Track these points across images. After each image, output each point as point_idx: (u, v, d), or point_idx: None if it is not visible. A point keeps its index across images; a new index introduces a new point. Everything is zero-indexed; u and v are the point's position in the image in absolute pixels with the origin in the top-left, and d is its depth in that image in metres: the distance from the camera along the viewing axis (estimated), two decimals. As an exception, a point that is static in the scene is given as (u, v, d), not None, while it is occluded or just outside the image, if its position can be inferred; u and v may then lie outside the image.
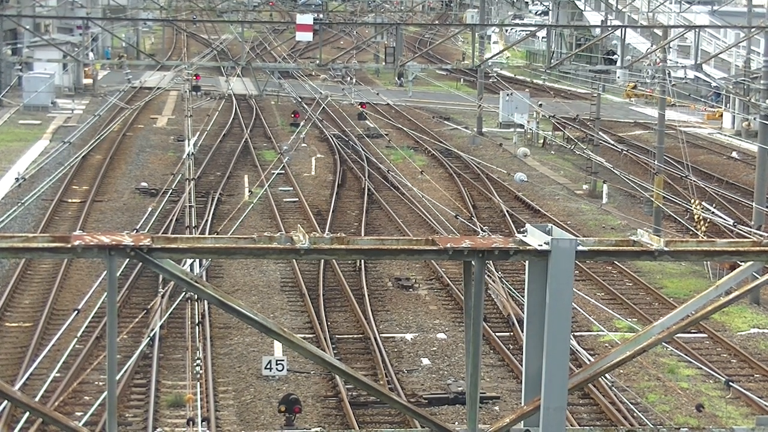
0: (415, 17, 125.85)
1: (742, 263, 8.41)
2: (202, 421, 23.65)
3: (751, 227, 37.02)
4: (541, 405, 7.94)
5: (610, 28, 73.89)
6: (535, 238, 7.99)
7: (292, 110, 70.60)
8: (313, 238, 7.78)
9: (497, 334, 32.39)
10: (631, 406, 27.01)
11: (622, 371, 29.61)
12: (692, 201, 41.94)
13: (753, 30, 52.12)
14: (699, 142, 65.68)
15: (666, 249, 8.09)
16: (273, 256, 7.82)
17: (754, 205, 38.73)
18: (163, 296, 31.87)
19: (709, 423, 26.43)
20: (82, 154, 47.22)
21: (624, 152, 53.17)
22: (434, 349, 31.82)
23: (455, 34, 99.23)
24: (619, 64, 56.21)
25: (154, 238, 7.65)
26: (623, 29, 50.75)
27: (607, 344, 31.99)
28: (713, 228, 41.73)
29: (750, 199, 40.70)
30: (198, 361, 25.86)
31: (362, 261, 37.92)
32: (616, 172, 47.53)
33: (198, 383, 26.92)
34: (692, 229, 41.52)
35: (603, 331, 32.40)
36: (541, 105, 69.91)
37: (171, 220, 43.34)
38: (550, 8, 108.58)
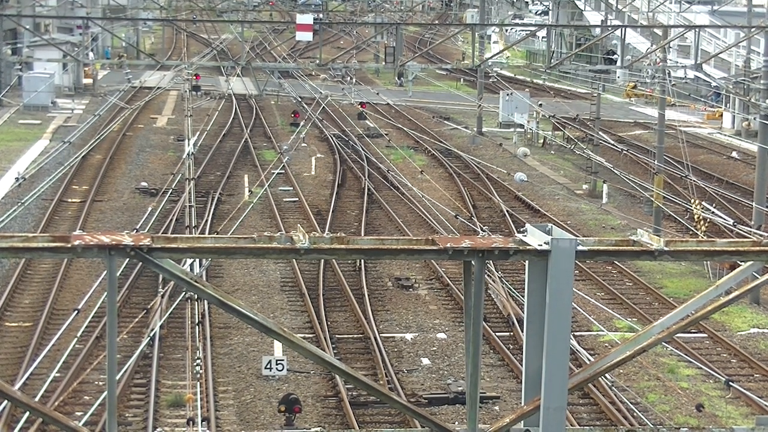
0: (415, 17, 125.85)
1: (742, 263, 8.41)
2: (202, 421, 23.65)
3: (751, 227, 37.01)
4: (541, 405, 7.95)
5: (610, 28, 73.90)
6: (535, 237, 7.99)
7: (292, 110, 70.60)
8: (313, 238, 7.78)
9: (497, 333, 32.39)
10: (631, 406, 27.01)
11: (622, 371, 29.61)
12: (692, 201, 41.94)
13: (753, 30, 52.13)
14: (699, 142, 65.68)
15: (666, 249, 8.09)
16: (273, 256, 7.82)
17: (754, 205, 38.73)
18: (163, 296, 31.86)
19: (709, 423, 26.43)
20: (82, 154, 47.22)
21: (624, 152, 53.17)
22: (434, 348, 31.82)
23: (455, 33, 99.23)
24: (619, 63, 56.20)
25: (154, 237, 7.65)
26: (623, 29, 50.74)
27: (607, 344, 32.00)
28: (713, 228, 41.73)
29: (750, 199, 40.70)
30: (198, 361, 25.86)
31: (362, 261, 37.92)
32: (616, 171, 47.54)
33: (198, 383, 26.92)
34: (692, 228, 41.52)
35: (603, 330, 32.40)
36: (541, 105, 69.91)
37: (171, 219, 43.34)
38: (550, 8, 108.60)
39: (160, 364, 29.51)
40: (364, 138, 59.32)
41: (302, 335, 30.93)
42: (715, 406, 28.16)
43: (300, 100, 72.19)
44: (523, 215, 46.69)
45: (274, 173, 50.49)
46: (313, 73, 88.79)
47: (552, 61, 54.39)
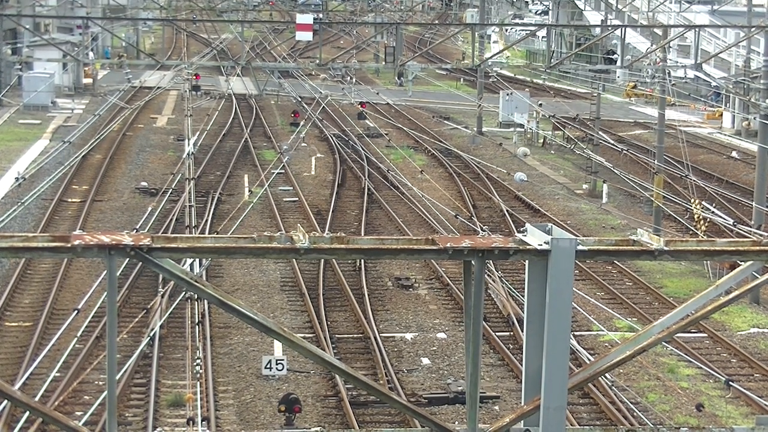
0: (415, 17, 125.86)
1: (742, 263, 8.41)
2: (202, 421, 23.65)
3: (751, 227, 37.01)
4: (541, 404, 7.95)
5: (610, 28, 73.90)
6: (535, 237, 7.99)
7: (292, 110, 70.59)
8: (313, 238, 7.79)
9: (497, 333, 32.39)
10: (631, 406, 27.01)
11: (621, 371, 29.61)
12: (692, 201, 41.94)
13: (753, 29, 52.13)
14: (699, 142, 65.69)
15: (666, 248, 8.09)
16: (273, 256, 7.82)
17: (754, 204, 38.73)
18: (163, 296, 31.86)
19: (709, 423, 26.43)
20: (82, 154, 47.21)
21: (624, 152, 53.17)
22: (434, 348, 31.82)
23: (455, 33, 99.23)
24: (619, 63, 56.21)
25: (153, 237, 7.65)
26: (623, 29, 50.77)
27: (606, 344, 32.00)
28: (713, 227, 41.73)
29: (750, 199, 40.70)
30: (198, 361, 25.86)
31: (362, 261, 37.92)
32: (616, 171, 47.54)
33: (198, 383, 26.92)
34: (692, 228, 41.52)
35: (603, 330, 32.40)
36: (541, 104, 69.90)
37: (171, 219, 43.34)
38: (550, 8, 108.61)
39: (160, 363, 29.51)
40: (364, 138, 59.32)
41: (302, 335, 30.93)
42: (715, 406, 28.16)
43: (300, 99, 72.20)
44: (523, 215, 46.69)
45: (274, 173, 50.48)
46: (313, 73, 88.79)
47: (552, 60, 54.37)
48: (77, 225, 42.99)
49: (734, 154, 62.53)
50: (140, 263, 7.68)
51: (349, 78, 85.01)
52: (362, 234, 41.81)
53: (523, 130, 67.66)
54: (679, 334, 29.71)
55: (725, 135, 69.67)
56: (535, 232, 8.02)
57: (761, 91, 39.60)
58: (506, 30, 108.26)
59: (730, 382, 29.11)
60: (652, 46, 68.56)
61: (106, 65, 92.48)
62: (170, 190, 45.41)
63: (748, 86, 58.56)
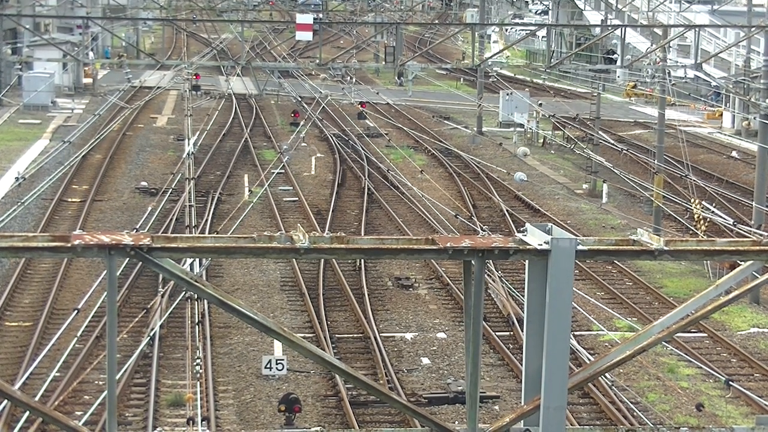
0: (415, 17, 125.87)
1: (742, 263, 8.41)
2: (202, 421, 23.65)
3: (751, 227, 37.01)
4: (541, 404, 7.95)
5: (610, 28, 73.90)
6: (535, 237, 7.99)
7: (292, 110, 70.60)
8: (313, 238, 7.79)
9: (497, 333, 32.39)
10: (631, 406, 27.01)
11: (621, 370, 29.61)
12: (692, 200, 41.94)
13: (753, 29, 52.13)
14: (699, 142, 65.69)
15: (666, 248, 8.10)
16: (273, 256, 7.83)
17: (754, 204, 38.73)
18: (163, 296, 31.86)
19: (709, 422, 26.43)
20: (82, 154, 47.21)
21: (624, 152, 53.17)
22: (434, 348, 31.81)
23: (455, 33, 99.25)
24: (619, 63, 56.20)
25: (153, 237, 7.65)
26: (623, 28, 50.76)
27: (606, 344, 32.00)
28: (713, 227, 41.73)
29: (750, 199, 40.70)
30: (198, 361, 25.86)
31: (362, 260, 37.92)
32: (616, 171, 47.54)
33: (198, 383, 26.92)
34: (692, 228, 41.52)
35: (603, 330, 32.40)
36: (541, 104, 69.90)
37: (171, 219, 43.34)
38: (550, 7, 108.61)
39: (160, 363, 29.51)
40: (364, 137, 59.32)
41: (302, 335, 30.93)
42: (715, 406, 28.16)
43: (300, 99, 72.20)
44: (522, 215, 46.69)
45: (274, 173, 50.49)
46: (313, 73, 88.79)
47: (552, 60, 54.37)
48: (77, 225, 42.98)
49: (734, 154, 62.53)
50: (140, 263, 7.68)
51: (349, 78, 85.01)
52: (362, 234, 41.81)
53: (523, 129, 67.66)
54: (679, 334, 29.73)
55: (725, 135, 69.67)
56: (535, 232, 8.02)
57: (761, 91, 39.60)
58: (506, 30, 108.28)
59: (730, 382, 29.11)
60: (652, 45, 68.57)
61: (106, 65, 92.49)
62: (170, 190, 45.41)
63: (748, 86, 58.56)
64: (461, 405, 27.13)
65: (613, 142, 57.02)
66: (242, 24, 70.76)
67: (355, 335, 32.77)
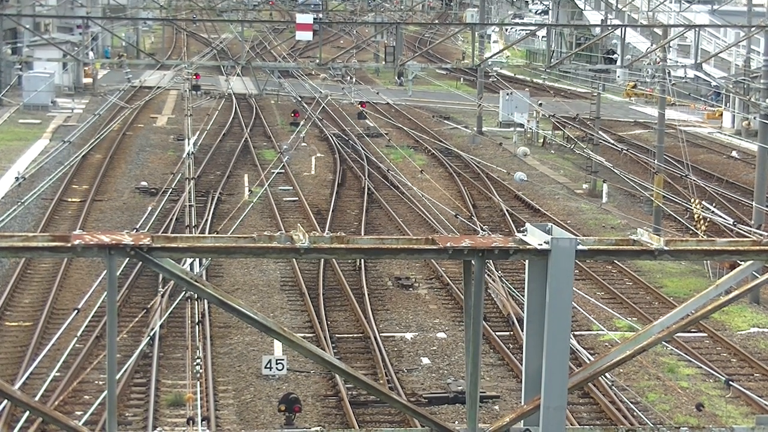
0: (415, 16, 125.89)
1: (742, 262, 8.41)
2: (202, 421, 23.65)
3: (751, 226, 37.01)
4: (541, 404, 7.95)
5: (610, 28, 73.91)
6: (535, 237, 7.99)
7: (292, 109, 70.60)
8: (313, 238, 7.78)
9: (497, 333, 32.39)
10: (631, 406, 27.00)
11: (621, 370, 29.61)
12: (692, 200, 41.94)
13: (753, 29, 52.12)
14: (699, 142, 65.70)
15: (666, 248, 8.09)
16: (273, 256, 7.83)
17: (754, 204, 38.73)
18: (163, 295, 31.86)
19: (709, 422, 26.42)
20: (82, 154, 47.21)
21: (624, 151, 53.18)
22: (434, 348, 31.81)
23: (455, 33, 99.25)
24: (619, 63, 56.21)
25: (153, 237, 7.65)
26: (623, 28, 50.76)
27: (606, 343, 31.99)
28: (713, 227, 41.73)
29: (750, 199, 40.70)
30: (198, 361, 25.86)
31: (362, 260, 37.92)
32: (616, 171, 47.54)
33: (198, 382, 26.92)
34: (692, 228, 41.52)
35: (603, 330, 32.40)
36: (541, 104, 69.91)
37: (171, 219, 43.34)
38: (550, 7, 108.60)
39: (160, 363, 29.51)
40: (364, 137, 59.31)
41: (302, 335, 30.92)
42: (715, 406, 28.16)
43: (300, 99, 72.20)
44: (522, 215, 46.69)
45: (274, 173, 50.49)
46: (313, 73, 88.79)
47: (552, 60, 54.38)
48: (77, 225, 42.98)
49: (734, 153, 62.53)
50: (140, 263, 7.68)
51: (349, 78, 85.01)
52: (362, 234, 41.81)
53: (523, 129, 67.66)
54: (679, 334, 29.73)
55: (725, 135, 69.67)
56: (535, 232, 8.02)
57: (761, 91, 39.60)
58: (506, 30, 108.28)
59: (730, 382, 29.11)
60: (652, 45, 68.57)
61: (106, 65, 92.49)
62: (170, 190, 45.40)
63: (748, 86, 58.56)
64: (461, 405, 27.12)
65: (613, 142, 57.02)
66: (242, 24, 70.76)
67: (355, 335, 32.77)
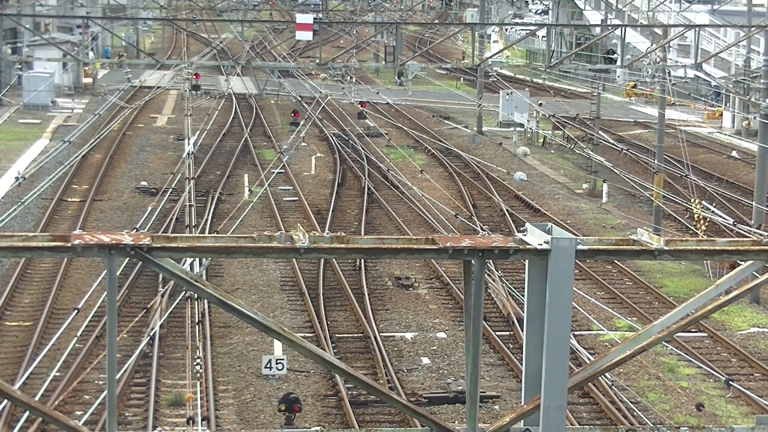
0: (415, 16, 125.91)
1: (742, 262, 8.41)
2: (202, 420, 23.65)
3: (751, 226, 37.01)
4: (541, 404, 7.95)
5: (610, 28, 73.91)
6: (535, 237, 7.99)
7: (292, 109, 70.60)
8: (313, 238, 7.78)
9: (497, 333, 32.39)
10: (631, 405, 27.00)
11: (621, 370, 29.61)
12: (692, 200, 41.95)
13: (753, 29, 52.12)
14: (699, 142, 65.69)
15: (666, 248, 8.09)
16: (273, 256, 7.83)
17: (754, 204, 38.74)
18: (163, 295, 31.86)
19: (709, 422, 26.42)
20: (82, 154, 47.21)
21: (624, 151, 53.18)
22: (434, 348, 31.81)
23: (455, 33, 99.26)
24: (619, 63, 56.21)
25: (153, 237, 7.65)
26: (623, 28, 50.78)
27: (607, 343, 31.99)
28: (713, 227, 41.73)
29: (750, 199, 40.70)
30: (198, 360, 25.86)
31: (362, 260, 37.92)
32: (616, 171, 47.54)
33: (198, 382, 26.92)
34: (692, 228, 41.52)
35: (603, 330, 32.40)
36: (541, 104, 69.91)
37: (171, 219, 43.34)
38: (550, 7, 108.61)
39: (160, 363, 29.51)
40: (364, 137, 59.31)
41: (302, 334, 30.91)
42: (715, 406, 28.16)
43: (300, 99, 72.20)
44: (522, 214, 46.69)
45: (274, 172, 50.49)
46: (313, 73, 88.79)
47: (552, 60, 54.38)
48: (77, 224, 42.98)
49: (734, 153, 62.53)
50: (140, 263, 7.68)
51: (349, 78, 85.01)
52: (362, 234, 41.81)
53: (523, 129, 67.66)
54: (679, 334, 29.73)
55: (725, 135, 69.66)
56: (535, 232, 8.02)
57: (761, 91, 39.60)
58: (506, 29, 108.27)
59: (730, 382, 29.11)
60: (652, 45, 68.57)
61: (106, 65, 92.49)
62: (170, 190, 45.40)
63: (748, 86, 58.56)
64: (461, 405, 27.12)
65: (613, 141, 57.02)
66: (242, 24, 70.76)
67: (355, 335, 32.77)
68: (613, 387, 28.22)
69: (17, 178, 35.65)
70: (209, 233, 39.24)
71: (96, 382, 27.98)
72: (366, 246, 7.91)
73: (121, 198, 49.03)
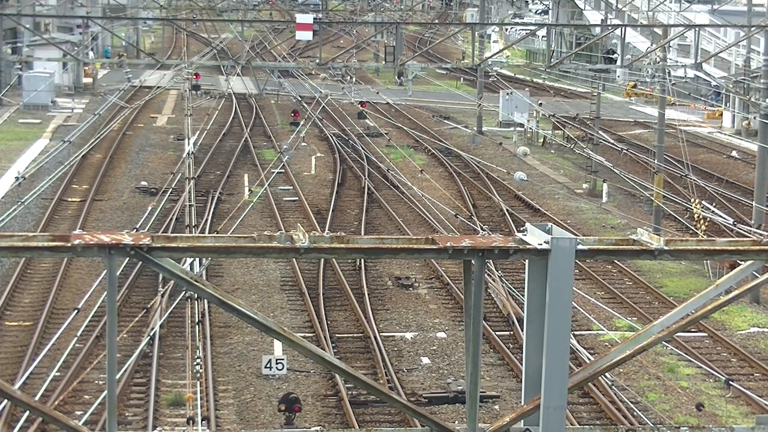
0: (415, 16, 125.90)
1: (742, 262, 8.41)
2: (202, 420, 23.65)
3: (751, 226, 37.02)
4: (541, 404, 7.95)
5: (610, 27, 73.91)
6: (535, 237, 7.99)
7: (291, 109, 70.60)
8: (313, 237, 7.78)
9: (497, 333, 32.39)
10: (631, 405, 27.00)
11: (621, 370, 29.61)
12: (692, 200, 41.95)
13: (753, 29, 52.12)
14: (699, 141, 65.69)
15: (666, 248, 8.09)
16: (273, 255, 7.83)
17: (754, 204, 38.74)
18: (163, 295, 31.86)
19: (709, 422, 26.42)
20: (82, 153, 47.21)
21: (624, 151, 53.18)
22: (434, 348, 31.81)
23: (455, 33, 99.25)
24: (619, 63, 56.21)
25: (153, 237, 7.65)
26: (623, 28, 50.79)
27: (606, 343, 31.99)
28: (713, 227, 41.73)
29: (750, 198, 40.70)
30: (198, 360, 25.86)
31: (362, 260, 37.92)
32: (616, 171, 47.54)
33: (198, 382, 26.92)
34: (692, 228, 41.52)
35: (603, 330, 32.40)
36: (541, 104, 69.91)
37: (171, 219, 43.34)
38: (550, 7, 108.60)
39: (160, 363, 29.51)
40: (363, 137, 59.31)
41: (302, 334, 30.92)
42: (715, 406, 28.16)
43: (300, 99, 72.20)
44: (522, 214, 46.69)
45: (274, 172, 50.49)
46: (313, 73, 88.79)
47: (552, 60, 54.38)
48: (77, 224, 42.98)
49: (734, 153, 62.52)
50: (140, 263, 7.68)
51: (349, 77, 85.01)
52: (362, 233, 41.81)
53: (523, 129, 67.66)
54: (679, 334, 29.72)
55: (725, 134, 69.66)
56: (535, 232, 8.02)
57: (761, 91, 39.60)
58: (506, 29, 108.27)
59: (730, 382, 29.11)
60: (652, 45, 68.57)
61: (106, 65, 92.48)
62: (170, 190, 45.40)
63: (748, 86, 58.57)
64: (461, 405, 27.12)
65: (613, 141, 57.02)
66: (242, 24, 70.72)
67: (355, 335, 32.77)
68: (613, 387, 28.22)
69: (17, 178, 35.65)
70: (209, 233, 39.24)
71: (96, 382, 27.98)
72: (366, 246, 7.91)
73: (121, 198, 49.03)
